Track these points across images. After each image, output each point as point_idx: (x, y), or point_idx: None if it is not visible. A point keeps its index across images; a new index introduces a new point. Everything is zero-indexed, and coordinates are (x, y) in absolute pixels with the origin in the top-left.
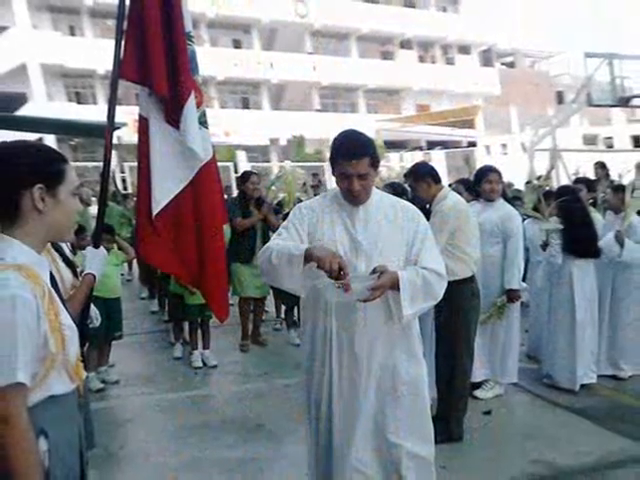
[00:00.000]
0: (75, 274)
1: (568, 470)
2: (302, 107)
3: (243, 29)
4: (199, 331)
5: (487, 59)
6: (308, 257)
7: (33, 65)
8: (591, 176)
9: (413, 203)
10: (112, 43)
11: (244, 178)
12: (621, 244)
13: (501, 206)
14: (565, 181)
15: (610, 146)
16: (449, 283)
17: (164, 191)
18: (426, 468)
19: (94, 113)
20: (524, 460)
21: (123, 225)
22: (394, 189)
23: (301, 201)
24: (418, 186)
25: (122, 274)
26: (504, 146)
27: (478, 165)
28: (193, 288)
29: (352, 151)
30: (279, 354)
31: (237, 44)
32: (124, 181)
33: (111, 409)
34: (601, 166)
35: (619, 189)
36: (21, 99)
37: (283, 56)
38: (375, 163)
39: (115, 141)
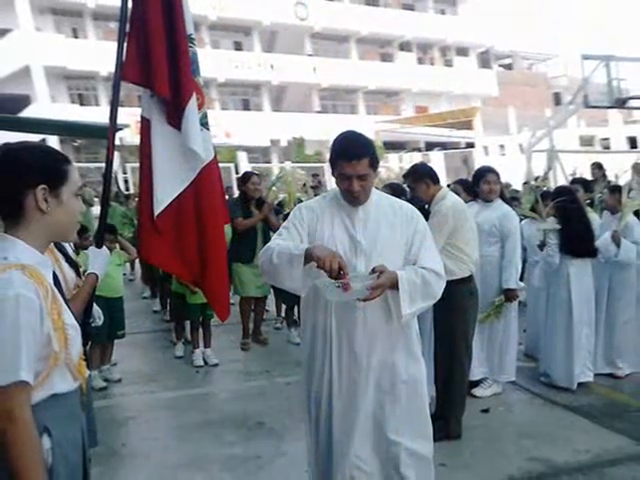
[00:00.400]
0: (78, 274)
1: (565, 468)
2: (302, 108)
3: (244, 31)
4: (200, 330)
5: (485, 61)
6: (308, 257)
7: (36, 67)
8: (588, 177)
9: (412, 203)
10: (114, 45)
11: (245, 179)
12: (618, 244)
13: (499, 206)
14: (562, 182)
15: (607, 147)
16: (448, 283)
17: (166, 192)
18: (425, 466)
19: (96, 114)
20: (522, 458)
21: (125, 225)
22: (393, 190)
23: (301, 201)
24: (417, 186)
25: (124, 274)
26: (502, 147)
27: (476, 166)
28: (195, 288)
29: (352, 152)
30: (280, 353)
31: (238, 46)
32: (126, 182)
33: (113, 407)
34: (598, 167)
35: (616, 190)
36: (24, 101)
37: (283, 58)
38: (374, 164)
39: (117, 142)
